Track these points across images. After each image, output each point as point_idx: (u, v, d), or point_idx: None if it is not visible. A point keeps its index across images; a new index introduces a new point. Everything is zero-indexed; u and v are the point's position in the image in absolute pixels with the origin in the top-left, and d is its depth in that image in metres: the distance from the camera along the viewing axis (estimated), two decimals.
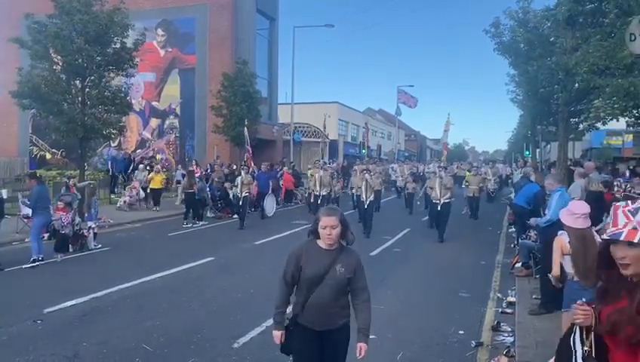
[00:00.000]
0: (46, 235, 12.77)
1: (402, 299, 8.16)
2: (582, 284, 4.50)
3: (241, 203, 15.75)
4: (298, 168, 28.63)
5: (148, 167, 20.64)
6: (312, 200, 17.74)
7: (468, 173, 20.98)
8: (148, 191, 19.29)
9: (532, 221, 8.74)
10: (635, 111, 14.12)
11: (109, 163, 23.84)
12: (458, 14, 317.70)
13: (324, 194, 16.49)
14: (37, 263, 10.08)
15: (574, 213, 4.65)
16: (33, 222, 10.66)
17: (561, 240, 4.80)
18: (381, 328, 6.61)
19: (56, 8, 15.08)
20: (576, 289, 4.57)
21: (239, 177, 16.26)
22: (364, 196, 14.16)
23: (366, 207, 14.13)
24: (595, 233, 4.84)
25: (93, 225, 12.42)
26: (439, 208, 13.36)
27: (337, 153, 42.99)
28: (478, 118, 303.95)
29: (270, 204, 18.44)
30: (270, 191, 18.75)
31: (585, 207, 4.71)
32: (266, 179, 19.06)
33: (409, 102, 51.12)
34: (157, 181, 19.14)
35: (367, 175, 14.45)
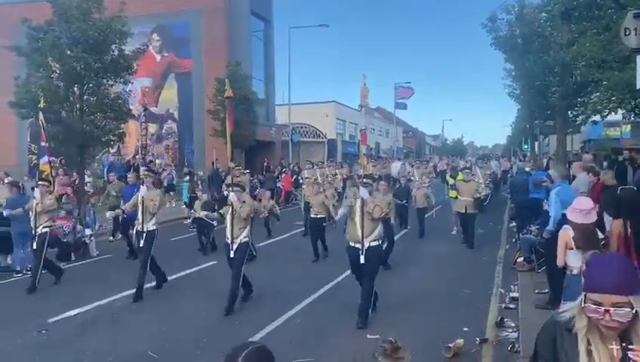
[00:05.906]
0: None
1: (405, 297, 8.16)
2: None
3: (35, 245, 9.18)
4: (297, 169, 28.58)
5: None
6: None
7: (452, 179, 14.90)
8: None
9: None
10: (632, 103, 14.14)
11: (107, 169, 23.76)
12: (454, 8, 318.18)
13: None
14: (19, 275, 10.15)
15: (579, 209, 4.70)
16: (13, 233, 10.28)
17: (567, 235, 4.84)
18: (384, 326, 6.62)
19: (55, 15, 15.03)
20: (577, 282, 4.63)
21: (33, 200, 9.41)
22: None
23: (232, 256, 7.64)
24: (596, 229, 4.87)
25: (91, 232, 12.49)
26: (362, 257, 6.90)
27: (336, 152, 43.00)
28: (477, 113, 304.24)
29: None
30: None
31: (589, 203, 4.78)
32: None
33: (406, 94, 51.41)
34: None
35: (232, 193, 7.81)
